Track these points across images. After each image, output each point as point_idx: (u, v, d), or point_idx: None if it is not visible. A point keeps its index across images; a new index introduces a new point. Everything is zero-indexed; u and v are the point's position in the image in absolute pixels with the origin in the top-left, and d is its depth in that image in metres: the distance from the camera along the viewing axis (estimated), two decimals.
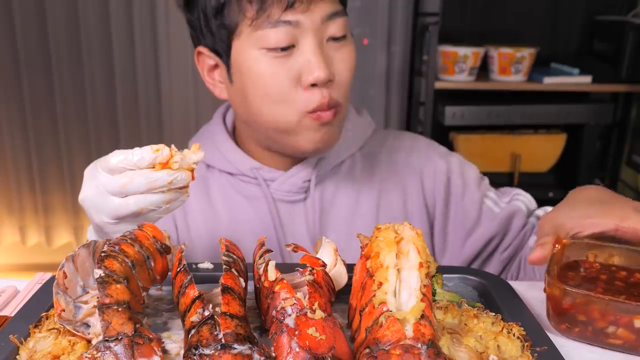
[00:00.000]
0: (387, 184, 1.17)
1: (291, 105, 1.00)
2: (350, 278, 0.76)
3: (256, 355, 0.59)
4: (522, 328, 0.71)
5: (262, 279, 0.70)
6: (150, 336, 0.65)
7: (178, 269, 0.70)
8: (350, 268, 0.77)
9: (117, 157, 0.78)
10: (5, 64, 2.97)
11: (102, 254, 0.69)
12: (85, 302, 0.70)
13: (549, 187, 2.81)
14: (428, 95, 2.63)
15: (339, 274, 0.78)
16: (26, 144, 3.12)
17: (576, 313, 0.75)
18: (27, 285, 0.95)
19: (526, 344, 0.69)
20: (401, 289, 0.65)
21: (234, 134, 1.20)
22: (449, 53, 2.60)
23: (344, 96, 1.04)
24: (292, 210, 1.13)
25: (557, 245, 0.83)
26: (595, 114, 2.71)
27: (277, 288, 0.66)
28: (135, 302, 0.69)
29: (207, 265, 0.89)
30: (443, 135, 2.75)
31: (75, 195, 3.09)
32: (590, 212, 0.86)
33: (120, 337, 0.62)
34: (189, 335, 0.62)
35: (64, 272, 0.70)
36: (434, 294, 0.78)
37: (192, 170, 0.81)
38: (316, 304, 0.64)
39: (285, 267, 0.76)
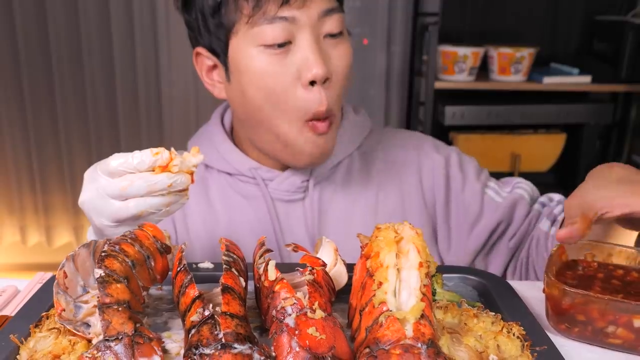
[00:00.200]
0: (385, 183, 1.17)
1: (290, 108, 1.01)
2: (350, 278, 0.76)
3: (256, 355, 0.59)
4: (521, 328, 0.71)
5: (262, 278, 0.70)
6: (151, 336, 0.65)
7: (178, 269, 0.71)
8: (350, 268, 0.78)
9: (117, 160, 0.78)
10: (6, 64, 2.97)
11: (103, 254, 0.70)
12: (86, 302, 0.70)
13: (549, 187, 2.77)
14: (428, 95, 2.63)
15: (339, 274, 0.78)
16: (27, 144, 3.12)
17: (575, 313, 0.75)
18: (27, 285, 0.95)
19: (526, 343, 0.69)
20: (401, 289, 0.65)
21: (232, 135, 1.20)
22: (449, 53, 2.60)
23: (337, 105, 1.05)
24: (290, 210, 1.14)
25: (558, 244, 0.83)
26: (595, 114, 2.71)
27: (277, 288, 0.66)
28: (136, 302, 0.69)
29: (207, 265, 0.89)
30: (443, 135, 2.75)
31: (75, 195, 3.08)
32: (620, 191, 0.80)
33: (120, 337, 0.62)
34: (189, 335, 0.62)
35: (65, 272, 0.70)
36: (434, 293, 0.78)
37: (191, 173, 0.81)
38: (316, 303, 0.64)
39: (285, 267, 0.76)
